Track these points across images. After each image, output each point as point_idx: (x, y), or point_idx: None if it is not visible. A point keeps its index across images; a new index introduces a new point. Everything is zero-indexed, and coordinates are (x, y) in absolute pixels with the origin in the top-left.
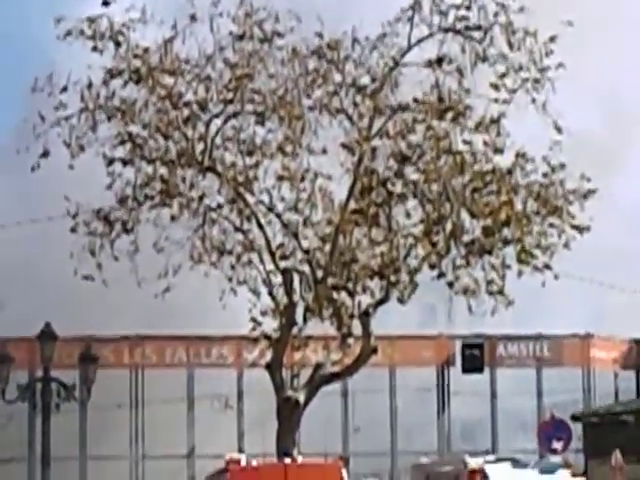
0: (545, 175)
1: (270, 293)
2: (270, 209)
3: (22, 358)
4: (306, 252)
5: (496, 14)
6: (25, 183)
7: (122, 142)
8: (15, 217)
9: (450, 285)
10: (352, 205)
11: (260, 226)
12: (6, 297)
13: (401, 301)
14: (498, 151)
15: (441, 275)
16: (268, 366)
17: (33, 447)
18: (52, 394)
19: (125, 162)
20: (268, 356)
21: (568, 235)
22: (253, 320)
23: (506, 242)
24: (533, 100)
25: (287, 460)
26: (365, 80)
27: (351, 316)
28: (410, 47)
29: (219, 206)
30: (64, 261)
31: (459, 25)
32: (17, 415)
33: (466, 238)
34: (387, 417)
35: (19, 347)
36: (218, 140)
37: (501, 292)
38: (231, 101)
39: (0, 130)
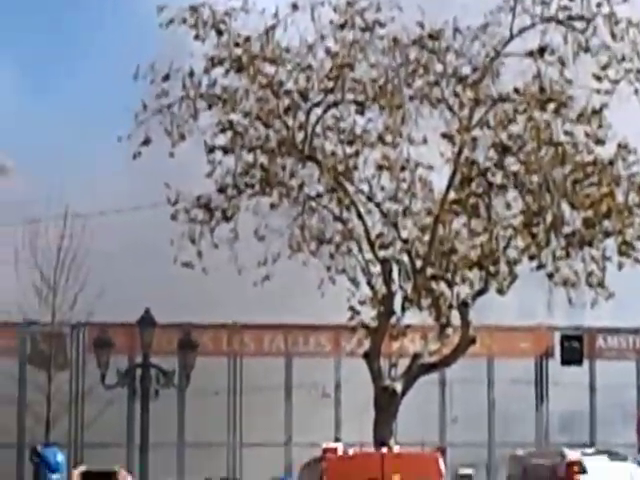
0: None
1: (369, 282)
2: (370, 198)
3: (122, 344)
4: (405, 242)
5: (599, 4)
6: (126, 171)
7: (223, 130)
8: (116, 204)
9: (550, 276)
10: (452, 195)
11: (359, 215)
12: (107, 283)
13: (500, 292)
14: (600, 142)
15: (541, 266)
16: (366, 355)
17: (132, 433)
18: (151, 380)
19: (225, 150)
20: (366, 345)
21: None
22: (351, 309)
23: (607, 234)
24: (636, 91)
25: (384, 450)
26: (466, 70)
27: (450, 306)
28: (512, 37)
29: (319, 195)
30: (164, 248)
31: (561, 15)
32: (116, 400)
33: (566, 230)
34: (485, 408)
35: (119, 333)
36: (318, 129)
37: (601, 284)
38: (332, 90)
39: (102, 118)
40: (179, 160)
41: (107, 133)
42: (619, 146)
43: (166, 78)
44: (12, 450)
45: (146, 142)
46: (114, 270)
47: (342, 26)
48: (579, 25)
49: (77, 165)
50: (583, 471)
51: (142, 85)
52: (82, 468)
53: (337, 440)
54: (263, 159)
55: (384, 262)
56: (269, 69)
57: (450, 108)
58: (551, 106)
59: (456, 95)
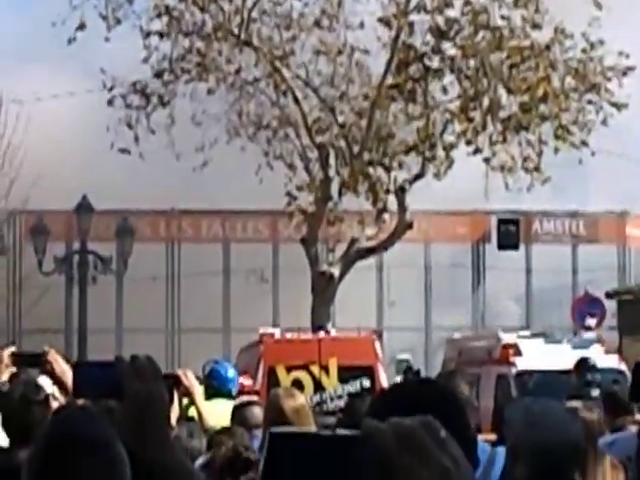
0: (584, 51)
1: (306, 168)
2: (307, 83)
3: (59, 231)
4: (342, 127)
5: None
6: (61, 56)
7: (159, 15)
8: (52, 90)
9: (486, 161)
10: (389, 80)
11: (296, 101)
12: (43, 170)
13: (437, 177)
14: (536, 27)
15: (477, 151)
16: (303, 240)
17: (70, 319)
18: (89, 266)
19: (162, 35)
20: (303, 231)
21: (606, 112)
22: (289, 194)
23: (543, 118)
24: None
25: (321, 334)
26: None
27: (387, 191)
28: None
29: (256, 80)
30: (101, 134)
31: None
32: (54, 287)
33: (503, 114)
34: (422, 292)
35: (56, 220)
36: (255, 14)
37: (537, 169)
38: None
39: (35, 2)
40: (114, 45)
41: (40, 19)
42: (556, 31)
43: None
44: None
45: (81, 27)
46: (50, 157)
47: None
48: None
49: (11, 51)
50: (518, 353)
51: None
52: (11, 349)
53: (275, 325)
54: (199, 44)
55: (321, 147)
56: None
57: None
58: None
59: None
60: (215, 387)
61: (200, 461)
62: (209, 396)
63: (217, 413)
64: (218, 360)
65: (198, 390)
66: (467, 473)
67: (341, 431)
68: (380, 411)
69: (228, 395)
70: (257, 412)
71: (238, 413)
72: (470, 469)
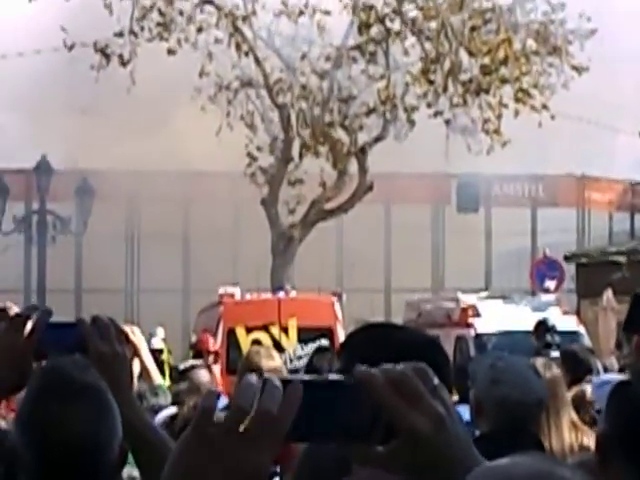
0: (545, 14)
1: (267, 129)
2: (268, 44)
3: (18, 190)
4: (303, 88)
5: None
6: (22, 13)
7: None
8: (13, 48)
9: (447, 123)
10: (350, 41)
11: (258, 61)
12: (2, 128)
13: (398, 139)
14: None
15: (438, 113)
16: (264, 201)
17: (29, 279)
18: (48, 226)
19: None
20: (264, 192)
21: (567, 75)
22: (249, 155)
23: (504, 81)
24: None
25: (281, 294)
26: None
27: (348, 153)
28: None
29: (217, 40)
30: (61, 93)
31: None
32: (13, 247)
33: (464, 76)
34: (382, 254)
35: (15, 179)
36: None
37: (497, 131)
38: None
39: None
40: (75, 3)
41: None
42: None
43: None
44: None
45: None
46: (10, 115)
47: None
48: None
49: None
50: (477, 315)
51: None
52: None
53: (235, 284)
54: (161, 3)
55: (282, 108)
56: None
57: None
58: None
59: None
60: None
61: (164, 414)
62: None
63: None
64: None
65: (144, 347)
66: (458, 421)
67: (332, 376)
68: (365, 355)
69: None
70: (203, 374)
71: (183, 377)
72: (459, 417)
